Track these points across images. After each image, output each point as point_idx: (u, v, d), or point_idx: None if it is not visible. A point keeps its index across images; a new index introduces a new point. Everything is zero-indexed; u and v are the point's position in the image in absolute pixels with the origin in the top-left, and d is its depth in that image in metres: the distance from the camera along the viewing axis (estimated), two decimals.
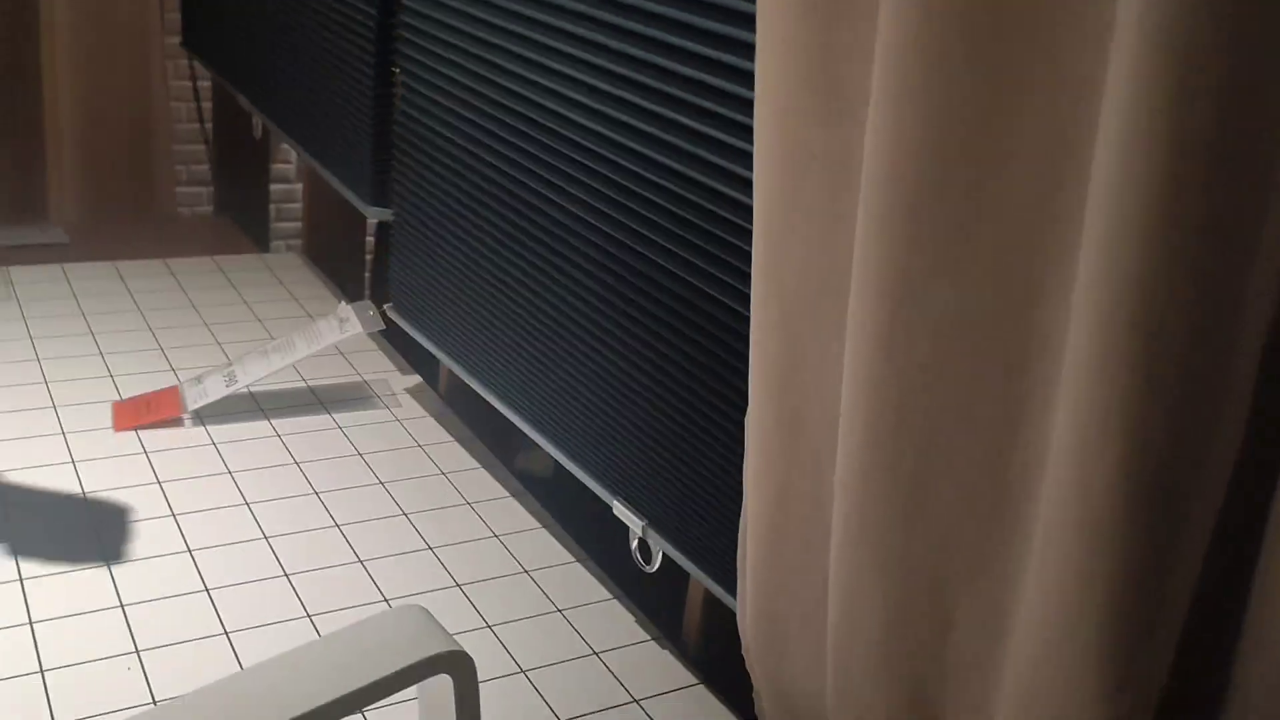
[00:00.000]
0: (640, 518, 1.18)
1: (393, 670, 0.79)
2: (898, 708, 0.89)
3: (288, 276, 2.00)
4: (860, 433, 0.85)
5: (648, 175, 1.09)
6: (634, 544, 1.20)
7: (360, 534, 1.31)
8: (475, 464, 1.48)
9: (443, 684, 0.83)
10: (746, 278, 1.01)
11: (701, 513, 1.11)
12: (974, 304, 0.78)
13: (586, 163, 1.17)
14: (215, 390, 1.48)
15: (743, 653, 1.06)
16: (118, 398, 1.50)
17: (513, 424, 1.37)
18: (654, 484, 1.16)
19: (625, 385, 1.17)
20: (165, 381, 1.54)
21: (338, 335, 1.54)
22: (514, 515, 1.38)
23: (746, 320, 1.02)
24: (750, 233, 0.99)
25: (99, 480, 1.33)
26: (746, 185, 0.99)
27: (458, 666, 0.81)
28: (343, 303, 1.59)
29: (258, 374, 1.50)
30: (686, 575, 1.18)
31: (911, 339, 0.80)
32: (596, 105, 1.14)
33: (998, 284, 0.76)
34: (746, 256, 1.00)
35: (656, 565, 1.19)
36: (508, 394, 1.37)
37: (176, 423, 1.45)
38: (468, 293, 1.41)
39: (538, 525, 1.37)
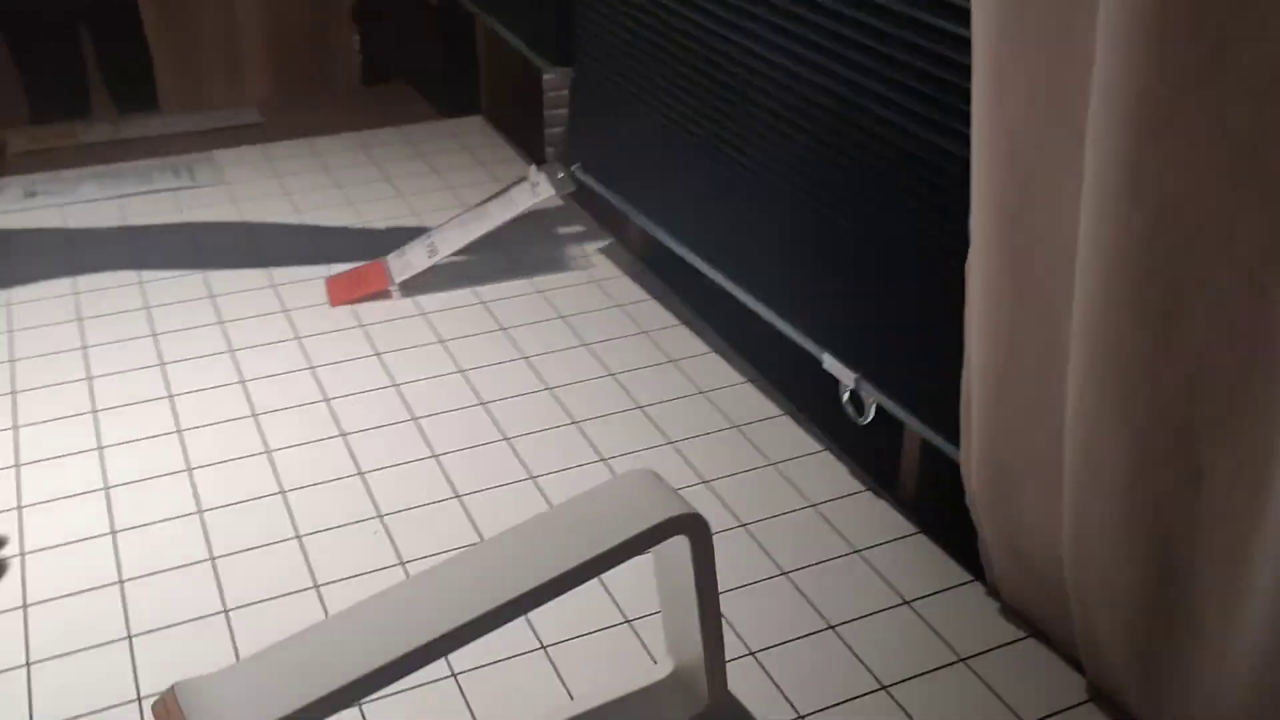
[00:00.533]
0: (853, 370, 1.16)
1: (631, 534, 0.81)
2: (1141, 559, 0.86)
3: (472, 141, 2.01)
4: (1101, 272, 0.80)
5: (849, 9, 1.03)
6: (845, 396, 1.18)
7: (571, 396, 1.34)
8: (676, 321, 1.48)
9: (679, 546, 0.85)
10: (960, 114, 0.95)
11: (916, 362, 1.08)
12: (1231, 127, 0.71)
13: None
14: (419, 261, 1.52)
15: (967, 502, 1.05)
16: (329, 273, 1.55)
17: (712, 280, 1.36)
18: (864, 335, 1.14)
19: (830, 234, 1.14)
20: (372, 253, 1.59)
21: (531, 200, 1.55)
22: (719, 371, 1.38)
23: (961, 160, 0.96)
24: (965, 66, 0.93)
25: (324, 355, 1.40)
26: (962, 15, 0.92)
27: (693, 528, 0.83)
28: (533, 167, 1.59)
29: (458, 244, 1.53)
30: (900, 425, 1.16)
31: (1160, 170, 0.74)
32: None
33: (1258, 105, 0.69)
34: (960, 92, 0.94)
35: (870, 417, 1.17)
36: (705, 249, 1.36)
37: (385, 295, 1.49)
38: (657, 147, 1.39)
39: (744, 380, 1.37)
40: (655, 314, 1.50)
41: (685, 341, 1.44)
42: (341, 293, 1.49)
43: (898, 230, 1.05)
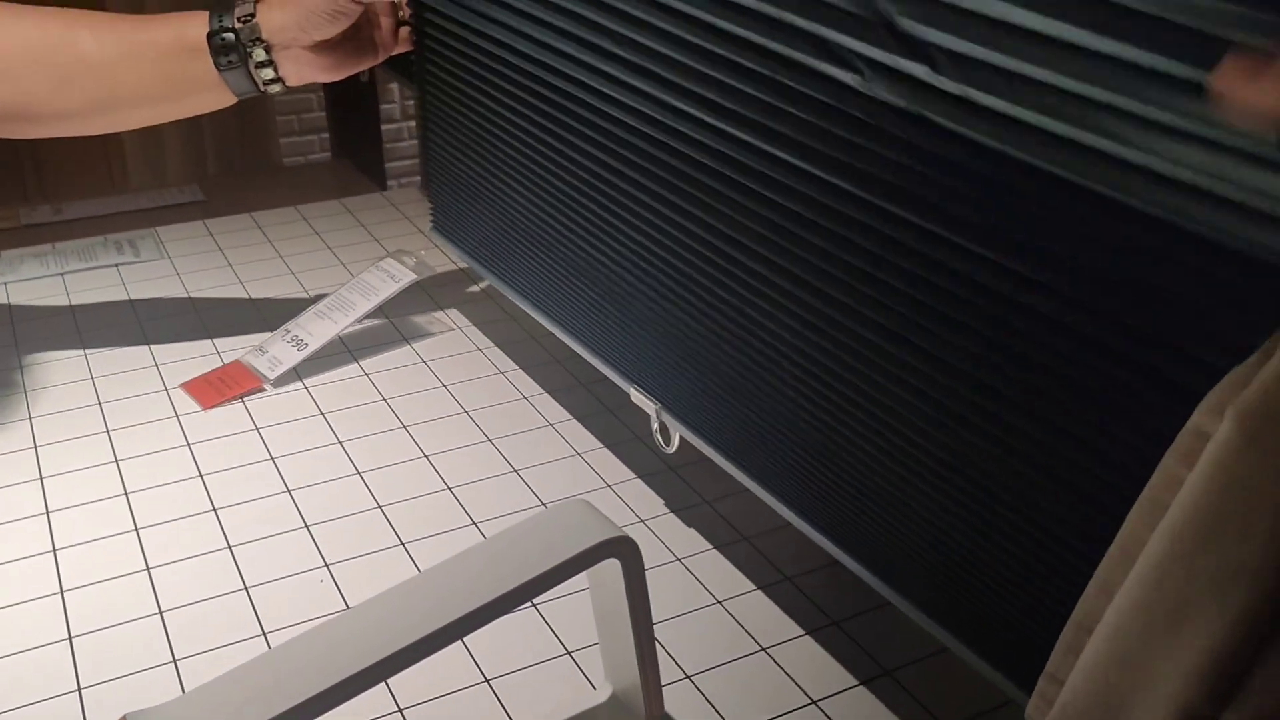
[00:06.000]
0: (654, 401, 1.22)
1: (563, 559, 0.85)
2: None
3: (409, 210, 2.07)
4: None
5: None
6: (655, 427, 1.24)
7: (511, 446, 1.39)
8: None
9: (611, 570, 0.89)
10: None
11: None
12: None
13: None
14: (288, 357, 1.53)
15: None
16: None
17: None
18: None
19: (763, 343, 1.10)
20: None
21: (393, 287, 1.60)
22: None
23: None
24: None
25: (270, 417, 1.44)
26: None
27: (624, 552, 0.88)
28: (387, 256, 1.66)
29: (324, 337, 1.54)
30: None
31: None
32: None
33: None
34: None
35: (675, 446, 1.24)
36: (579, 332, 1.36)
37: (259, 391, 1.50)
38: (513, 213, 1.38)
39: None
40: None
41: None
42: (213, 395, 1.48)
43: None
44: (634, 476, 1.34)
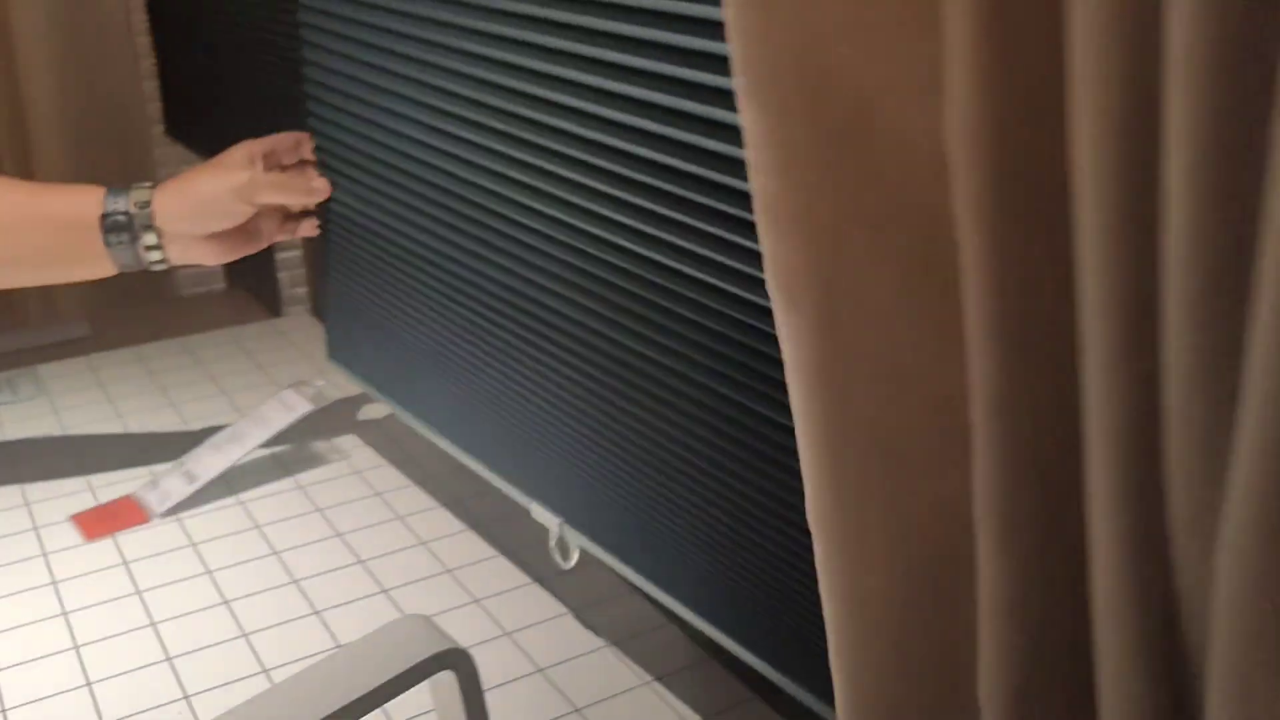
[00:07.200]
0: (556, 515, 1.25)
1: (399, 671, 0.87)
2: None
3: (299, 338, 2.09)
4: None
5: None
6: (552, 542, 1.27)
7: (383, 566, 1.40)
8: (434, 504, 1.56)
9: (449, 681, 0.91)
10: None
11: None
12: None
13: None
14: (178, 490, 1.52)
15: None
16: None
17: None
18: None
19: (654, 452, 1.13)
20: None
21: (288, 419, 1.61)
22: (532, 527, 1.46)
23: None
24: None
25: (138, 549, 1.43)
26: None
27: (459, 663, 0.89)
28: (286, 387, 1.68)
29: (218, 468, 1.54)
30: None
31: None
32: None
33: None
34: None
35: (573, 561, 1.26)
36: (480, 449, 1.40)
37: (143, 524, 1.50)
38: (410, 336, 1.41)
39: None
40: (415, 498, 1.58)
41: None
42: (99, 526, 1.48)
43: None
44: (505, 590, 1.36)
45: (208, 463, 1.57)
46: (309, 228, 1.48)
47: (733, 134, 0.84)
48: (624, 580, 1.34)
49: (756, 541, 0.98)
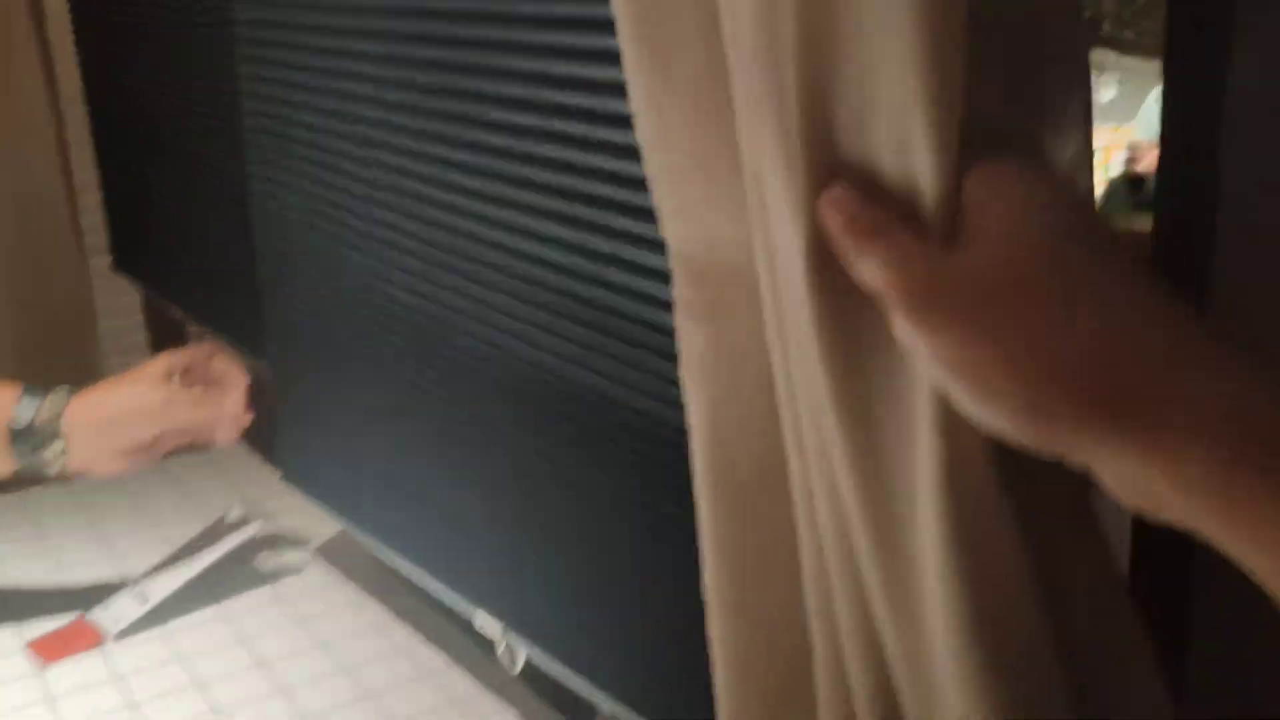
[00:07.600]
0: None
1: None
2: None
3: (230, 465, 2.09)
4: None
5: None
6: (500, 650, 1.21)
7: (309, 693, 1.34)
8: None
9: None
10: None
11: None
12: None
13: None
14: (130, 611, 1.47)
15: None
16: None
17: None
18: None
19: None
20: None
21: (236, 540, 1.58)
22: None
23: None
24: None
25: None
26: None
27: None
28: (234, 508, 1.63)
29: (170, 587, 1.50)
30: None
31: None
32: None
33: None
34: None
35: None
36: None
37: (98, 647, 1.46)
38: (366, 445, 1.40)
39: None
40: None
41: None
42: (57, 650, 1.43)
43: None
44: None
45: (162, 581, 1.51)
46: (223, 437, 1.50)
47: None
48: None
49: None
